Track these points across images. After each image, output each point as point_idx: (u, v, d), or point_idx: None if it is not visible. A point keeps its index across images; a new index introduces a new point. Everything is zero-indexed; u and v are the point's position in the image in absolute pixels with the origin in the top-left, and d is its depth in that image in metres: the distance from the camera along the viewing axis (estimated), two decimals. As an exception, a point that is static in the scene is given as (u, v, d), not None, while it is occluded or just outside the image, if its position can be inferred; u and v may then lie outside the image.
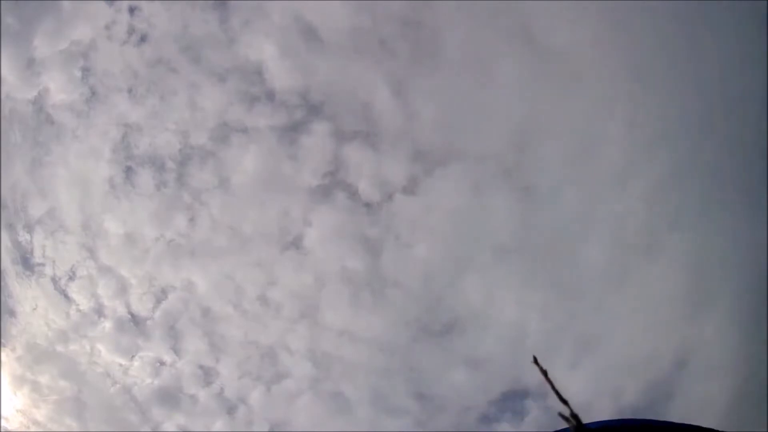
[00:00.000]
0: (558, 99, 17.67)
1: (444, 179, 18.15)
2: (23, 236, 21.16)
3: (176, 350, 20.23)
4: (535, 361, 8.42)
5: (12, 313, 22.30)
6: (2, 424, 23.43)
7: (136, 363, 20.90)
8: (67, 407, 22.33)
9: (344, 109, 18.09)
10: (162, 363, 20.50)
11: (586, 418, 16.01)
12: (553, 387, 8.14)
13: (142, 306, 19.98)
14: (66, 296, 21.08)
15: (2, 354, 22.99)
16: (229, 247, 18.63)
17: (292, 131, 18.05)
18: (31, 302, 21.79)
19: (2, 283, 22.45)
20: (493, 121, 18.03)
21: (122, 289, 20.07)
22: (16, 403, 23.20)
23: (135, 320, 20.36)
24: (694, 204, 17.47)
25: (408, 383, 19.26)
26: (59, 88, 19.78)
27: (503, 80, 17.89)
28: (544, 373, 8.34)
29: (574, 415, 8.04)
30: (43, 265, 21.03)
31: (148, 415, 21.48)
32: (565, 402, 8.01)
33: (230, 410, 20.28)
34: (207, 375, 20.19)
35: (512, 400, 19.21)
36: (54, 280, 21.04)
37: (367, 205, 18.15)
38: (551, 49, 17.61)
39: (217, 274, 18.97)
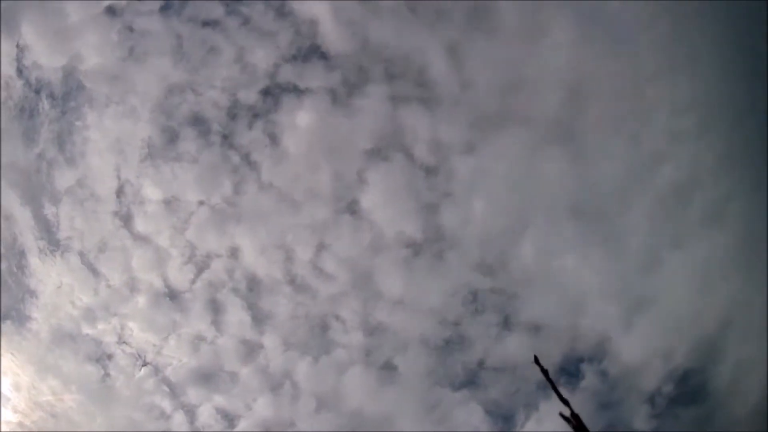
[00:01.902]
0: (611, 61, 17.85)
1: (500, 143, 18.00)
2: (49, 209, 19.92)
3: (217, 324, 19.24)
4: (536, 360, 8.09)
5: (33, 294, 20.84)
6: (20, 418, 21.80)
7: (172, 341, 19.72)
8: (93, 393, 20.89)
9: (400, 73, 17.79)
10: (201, 339, 19.42)
11: (638, 382, 15.67)
12: (553, 387, 7.81)
13: (181, 277, 18.88)
14: (95, 271, 19.82)
15: (19, 340, 21.50)
16: (279, 211, 17.89)
17: (346, 93, 17.62)
18: (55, 280, 20.39)
19: (22, 263, 21.18)
20: (547, 84, 18.05)
21: (159, 260, 18.95)
22: (35, 393, 21.61)
23: (172, 294, 19.25)
24: (749, 171, 17.71)
25: (463, 352, 18.79)
26: (94, 53, 18.79)
27: (557, 44, 17.98)
28: (545, 372, 7.99)
29: (575, 415, 7.76)
30: (70, 238, 19.76)
31: (183, 399, 20.29)
32: (566, 402, 7.72)
33: (274, 388, 19.32)
34: (250, 350, 19.21)
35: (568, 364, 19.01)
36: (82, 254, 19.76)
37: (424, 168, 17.78)
38: (604, 14, 17.84)
39: (265, 241, 18.15)
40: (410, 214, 17.89)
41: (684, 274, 19.13)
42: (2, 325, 21.33)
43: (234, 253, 18.37)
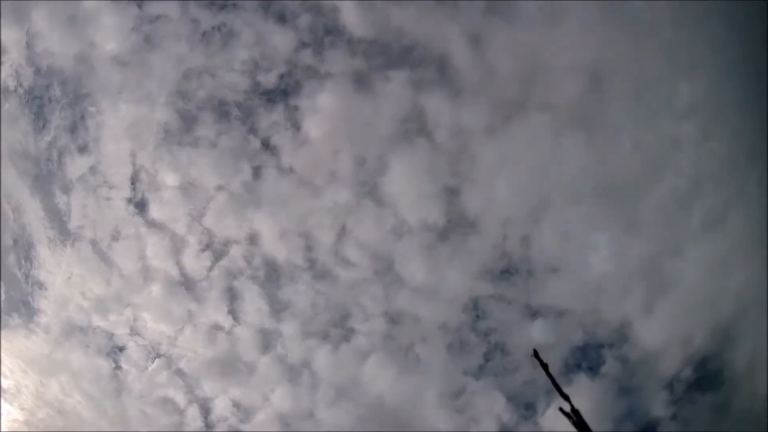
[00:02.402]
0: (628, 48, 18.00)
1: (520, 128, 17.97)
2: (60, 197, 19.44)
3: (234, 313, 18.84)
4: (536, 354, 7.93)
5: (42, 285, 20.28)
6: (27, 416, 21.09)
7: (187, 332, 19.25)
8: (103, 388, 20.27)
9: (420, 59, 17.71)
10: (217, 329, 18.98)
11: (658, 367, 15.49)
12: (554, 382, 7.66)
13: (197, 265, 18.47)
14: (107, 260, 19.35)
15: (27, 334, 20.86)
16: (299, 196, 17.64)
17: (367, 78, 17.46)
18: (66, 271, 19.88)
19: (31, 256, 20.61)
20: (566, 71, 18.12)
21: (175, 247, 18.55)
22: (43, 390, 20.90)
23: (188, 283, 18.82)
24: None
25: (485, 338, 18.59)
26: (108, 39, 18.47)
27: (576, 31, 18.08)
28: (545, 367, 7.82)
29: (575, 411, 7.63)
30: (81, 227, 19.29)
31: (198, 392, 19.77)
32: (566, 397, 7.59)
33: (292, 378, 18.92)
34: (268, 339, 18.81)
35: (589, 349, 18.93)
36: (93, 243, 19.30)
37: (446, 153, 17.63)
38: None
39: (285, 226, 17.82)
40: (432, 199, 17.77)
41: (704, 258, 19.20)
42: (9, 320, 20.77)
43: (253, 239, 18.08)
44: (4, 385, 21.17)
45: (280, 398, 19.04)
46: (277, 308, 18.50)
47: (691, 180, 18.70)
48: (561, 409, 7.81)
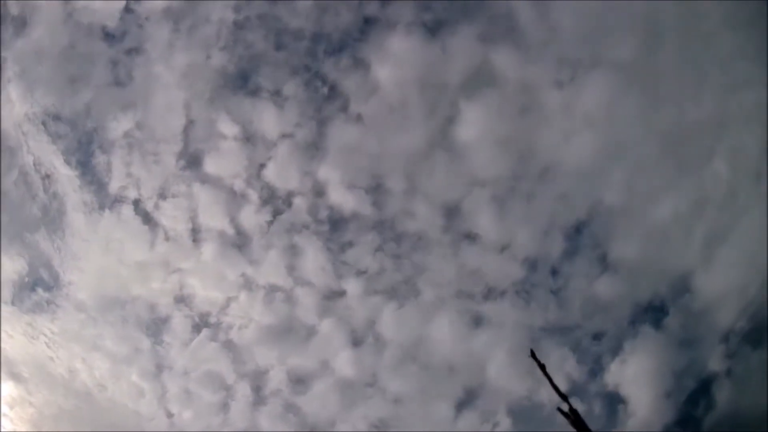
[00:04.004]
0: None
1: (586, 83, 18.07)
2: (99, 158, 18.02)
3: (294, 273, 17.64)
4: (533, 355, 8.17)
5: (75, 256, 18.49)
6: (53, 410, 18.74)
7: (242, 296, 17.90)
8: (140, 367, 18.41)
9: (488, 14, 17.73)
10: (275, 290, 17.68)
11: (716, 319, 15.36)
12: (551, 382, 7.91)
13: (256, 220, 17.29)
14: (151, 222, 17.95)
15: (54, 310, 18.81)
16: (367, 145, 17.02)
17: (437, 30, 17.29)
18: (103, 237, 18.27)
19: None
20: (628, 29, 18.50)
21: (231, 203, 17.40)
22: (71, 376, 18.68)
23: (244, 242, 17.60)
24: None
25: (553, 295, 18.16)
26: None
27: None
28: (542, 367, 8.06)
29: (573, 410, 7.88)
30: (124, 187, 17.91)
31: (250, 365, 18.23)
32: (564, 397, 7.83)
33: (356, 341, 17.78)
34: (330, 299, 17.70)
35: (653, 300, 18.78)
36: (137, 204, 17.92)
37: (516, 106, 17.50)
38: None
39: (352, 177, 17.06)
40: (502, 151, 17.47)
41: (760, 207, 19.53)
42: (33, 296, 18.77)
43: (318, 191, 17.18)
44: (24, 375, 18.99)
45: (342, 364, 17.83)
46: (341, 265, 17.54)
47: (757, 129, 19.13)
48: (559, 409, 7.98)
